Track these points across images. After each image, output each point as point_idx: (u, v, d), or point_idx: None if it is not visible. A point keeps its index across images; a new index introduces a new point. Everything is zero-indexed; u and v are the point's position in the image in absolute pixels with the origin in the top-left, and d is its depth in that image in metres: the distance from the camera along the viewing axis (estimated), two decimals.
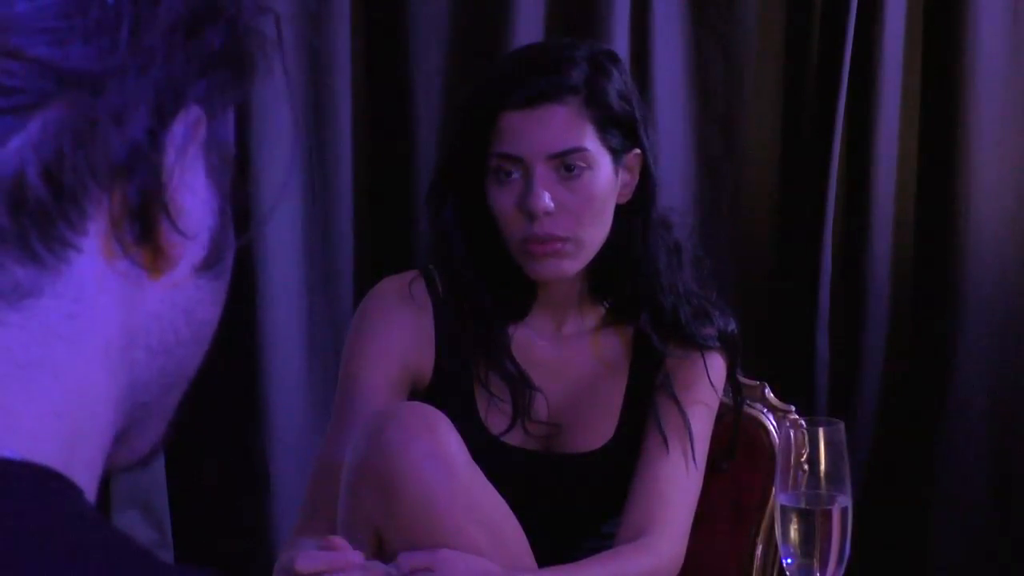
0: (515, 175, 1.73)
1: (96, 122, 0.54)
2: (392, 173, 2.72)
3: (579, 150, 1.73)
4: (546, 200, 1.71)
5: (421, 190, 2.61)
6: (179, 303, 0.61)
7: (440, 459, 1.61)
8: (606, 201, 1.76)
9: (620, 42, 2.71)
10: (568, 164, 1.72)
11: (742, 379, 1.94)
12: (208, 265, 0.61)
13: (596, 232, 1.76)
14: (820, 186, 2.80)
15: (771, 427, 1.97)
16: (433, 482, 1.60)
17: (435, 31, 2.69)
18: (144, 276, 0.59)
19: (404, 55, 2.69)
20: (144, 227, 0.57)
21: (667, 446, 1.78)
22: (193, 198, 0.59)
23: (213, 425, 2.58)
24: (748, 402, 1.97)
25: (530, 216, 1.72)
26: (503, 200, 1.74)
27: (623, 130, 1.77)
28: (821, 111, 2.82)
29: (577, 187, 1.73)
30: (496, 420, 1.80)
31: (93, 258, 0.56)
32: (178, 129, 0.57)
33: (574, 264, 1.76)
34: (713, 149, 2.85)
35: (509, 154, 1.73)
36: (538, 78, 1.73)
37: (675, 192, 2.78)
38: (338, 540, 1.55)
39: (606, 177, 1.75)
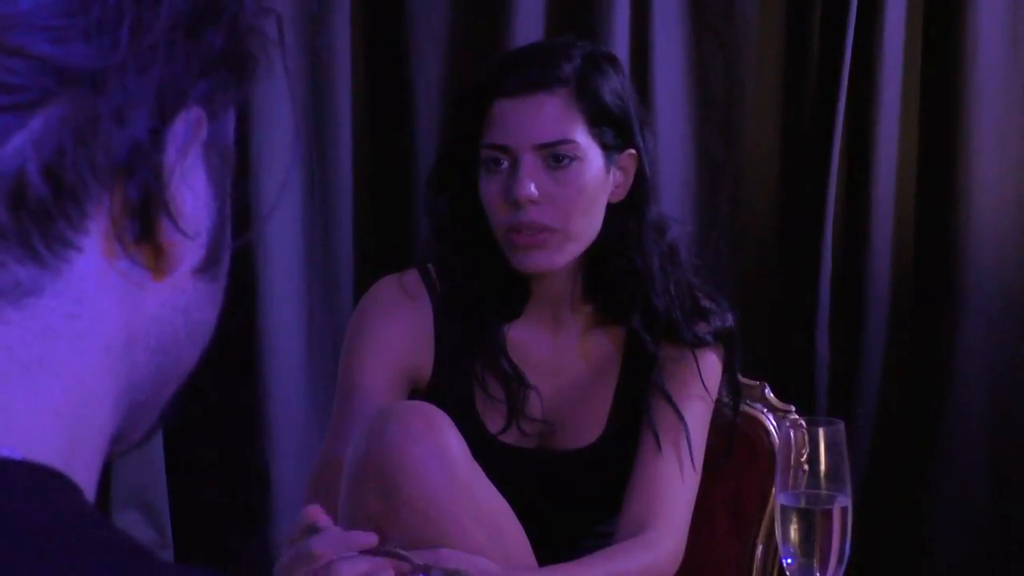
0: (504, 164, 1.74)
1: (97, 120, 0.54)
2: (392, 173, 2.72)
3: (567, 141, 1.73)
4: (531, 188, 1.71)
5: (421, 190, 2.61)
6: (179, 304, 0.61)
7: (441, 458, 1.60)
8: (595, 195, 1.76)
9: (620, 42, 2.72)
10: (556, 155, 1.73)
11: (742, 379, 1.94)
12: (207, 266, 0.61)
13: (583, 226, 1.76)
14: (820, 186, 2.80)
15: (771, 427, 1.97)
16: (434, 481, 1.60)
17: (435, 32, 2.69)
18: (145, 276, 0.59)
19: (404, 55, 2.69)
20: (144, 227, 0.57)
21: (660, 443, 1.78)
22: (194, 198, 0.59)
23: (213, 425, 2.58)
24: (748, 402, 1.97)
25: (515, 204, 1.72)
26: (491, 189, 1.75)
27: (616, 128, 1.77)
28: (821, 111, 2.82)
29: (565, 178, 1.73)
30: (493, 418, 1.81)
31: (94, 257, 0.57)
32: (179, 128, 0.58)
33: (560, 256, 1.76)
34: (713, 150, 2.85)
35: (498, 144, 1.73)
36: (530, 68, 1.74)
37: (675, 193, 2.78)
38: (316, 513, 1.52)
39: (596, 171, 1.76)
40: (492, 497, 1.67)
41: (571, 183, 1.73)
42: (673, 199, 2.76)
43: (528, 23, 2.69)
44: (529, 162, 1.72)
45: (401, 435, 1.60)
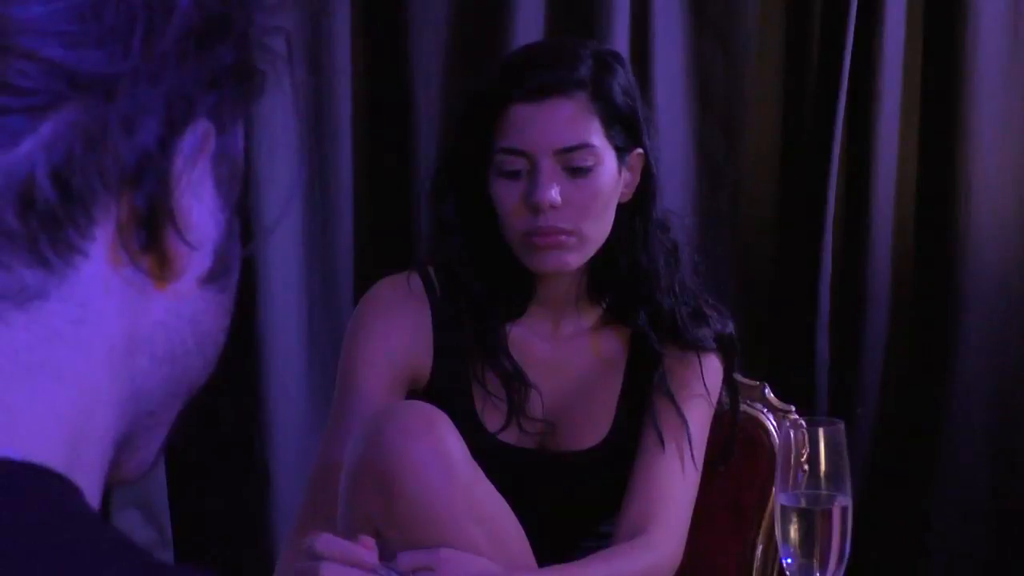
0: (520, 169, 1.73)
1: (107, 127, 0.55)
2: (392, 174, 2.72)
3: (586, 146, 1.73)
4: (553, 194, 1.71)
5: (421, 191, 2.61)
6: (184, 313, 0.61)
7: (440, 458, 1.60)
8: (610, 198, 1.76)
9: (620, 42, 2.72)
10: (575, 159, 1.73)
11: (742, 379, 1.95)
12: (213, 277, 0.61)
13: (598, 228, 1.76)
14: (820, 186, 2.80)
15: (771, 427, 1.97)
16: (433, 481, 1.59)
17: (435, 32, 2.69)
18: (149, 284, 0.59)
19: (404, 56, 2.69)
20: (150, 235, 0.58)
21: (663, 444, 1.78)
22: (200, 209, 0.59)
23: (213, 425, 2.58)
24: (748, 402, 1.97)
25: (535, 210, 1.72)
26: (508, 194, 1.74)
27: (626, 128, 1.77)
28: (821, 111, 2.82)
29: (582, 183, 1.73)
30: (492, 418, 1.80)
31: (100, 264, 0.57)
32: (187, 140, 0.58)
33: (576, 258, 1.76)
34: (713, 149, 2.85)
35: (516, 148, 1.73)
36: (545, 71, 1.73)
37: (675, 193, 2.78)
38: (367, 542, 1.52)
39: (610, 174, 1.76)
40: (492, 498, 1.67)
41: (588, 187, 1.73)
42: (673, 199, 2.75)
43: (528, 23, 2.69)
44: (548, 167, 1.72)
45: (400, 435, 1.60)
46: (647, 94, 2.72)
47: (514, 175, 1.74)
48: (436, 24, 2.68)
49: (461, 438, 1.64)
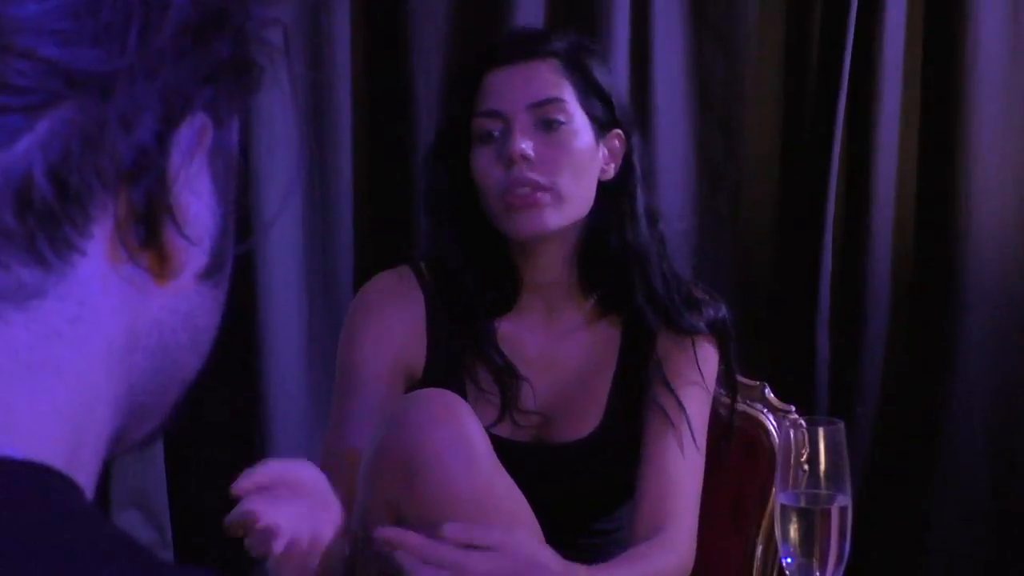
0: (497, 133, 1.77)
1: (104, 124, 0.55)
2: (392, 173, 2.72)
3: (557, 100, 1.77)
4: (524, 146, 1.74)
5: (421, 190, 2.61)
6: (181, 309, 0.61)
7: (462, 446, 1.60)
8: (586, 163, 1.79)
9: (620, 42, 2.72)
10: (547, 112, 1.77)
11: (742, 380, 1.95)
12: (210, 273, 0.61)
13: (574, 188, 1.78)
14: (820, 187, 2.80)
15: (771, 427, 1.97)
16: (455, 468, 1.59)
17: (435, 27, 2.69)
18: (148, 281, 0.59)
19: (404, 51, 2.69)
20: (149, 231, 0.58)
21: (665, 434, 1.78)
22: (198, 204, 0.60)
23: (213, 424, 2.58)
24: (748, 402, 1.97)
25: (509, 163, 1.74)
26: (485, 159, 1.78)
27: (605, 104, 1.81)
28: (821, 111, 2.82)
29: (556, 139, 1.77)
30: (485, 412, 1.80)
31: (98, 261, 0.57)
32: (185, 135, 0.58)
33: (553, 217, 1.77)
34: (713, 150, 2.85)
35: (491, 110, 1.77)
36: (522, 40, 1.83)
37: (675, 193, 2.78)
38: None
39: (586, 140, 1.79)
40: (511, 489, 1.66)
41: (562, 145, 1.77)
42: (673, 199, 2.76)
43: (528, 23, 2.69)
44: (522, 121, 1.76)
45: (423, 421, 1.60)
46: (647, 94, 2.73)
47: (490, 138, 1.77)
48: (436, 20, 2.69)
49: (483, 428, 1.64)
